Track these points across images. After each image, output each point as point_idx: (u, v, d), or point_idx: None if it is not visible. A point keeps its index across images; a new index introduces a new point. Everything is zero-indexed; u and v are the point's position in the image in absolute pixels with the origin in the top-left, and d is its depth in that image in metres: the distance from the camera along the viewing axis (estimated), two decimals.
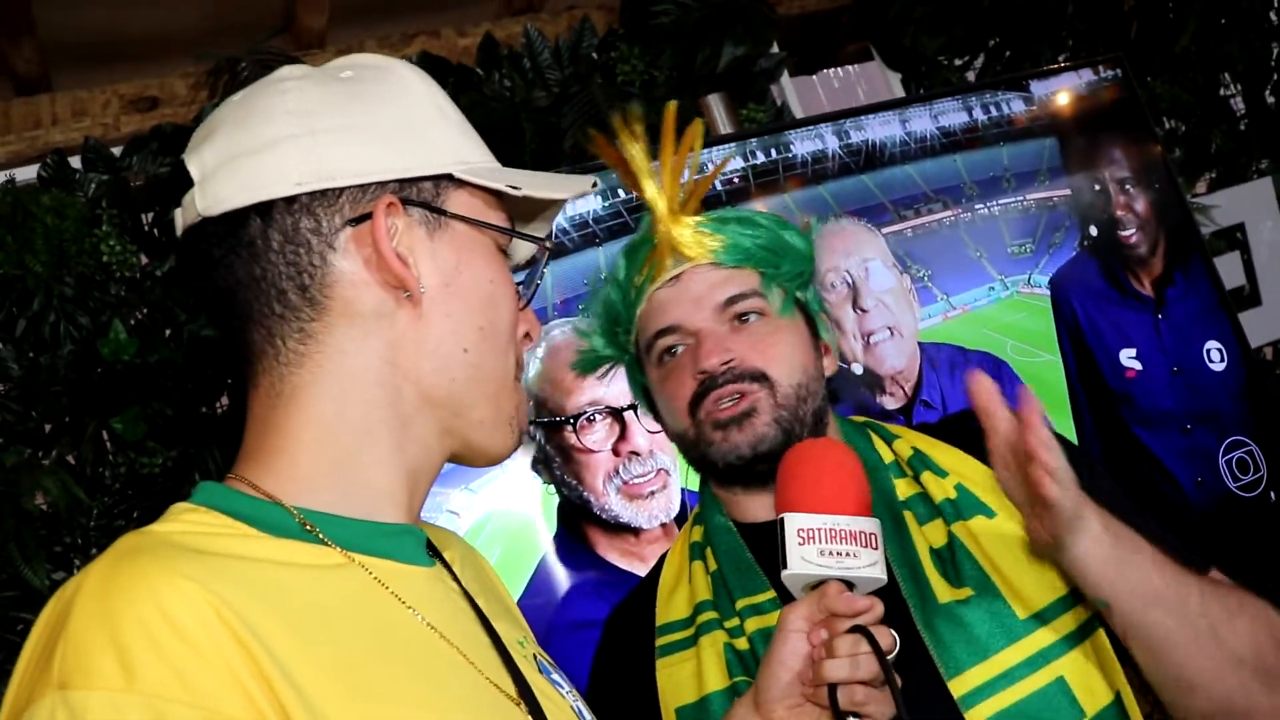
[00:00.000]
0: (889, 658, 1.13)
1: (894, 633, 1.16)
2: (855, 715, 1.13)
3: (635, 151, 1.47)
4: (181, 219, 1.01)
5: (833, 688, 1.12)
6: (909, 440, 1.50)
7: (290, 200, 0.96)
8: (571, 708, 1.06)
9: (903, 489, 1.44)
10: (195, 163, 0.99)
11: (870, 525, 1.21)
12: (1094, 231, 2.68)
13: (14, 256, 2.27)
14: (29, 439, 2.28)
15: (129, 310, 2.36)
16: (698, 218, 1.48)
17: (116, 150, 2.48)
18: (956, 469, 1.45)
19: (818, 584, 1.19)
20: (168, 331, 2.36)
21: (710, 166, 2.23)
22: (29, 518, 2.19)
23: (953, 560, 1.37)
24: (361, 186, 0.97)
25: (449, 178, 1.01)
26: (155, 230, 2.43)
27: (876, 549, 1.20)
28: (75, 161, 2.45)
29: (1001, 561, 1.36)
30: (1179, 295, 2.69)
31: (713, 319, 1.44)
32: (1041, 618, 1.33)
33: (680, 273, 1.47)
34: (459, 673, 0.94)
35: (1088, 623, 1.35)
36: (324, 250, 0.97)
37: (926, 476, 1.44)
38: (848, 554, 1.18)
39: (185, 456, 2.30)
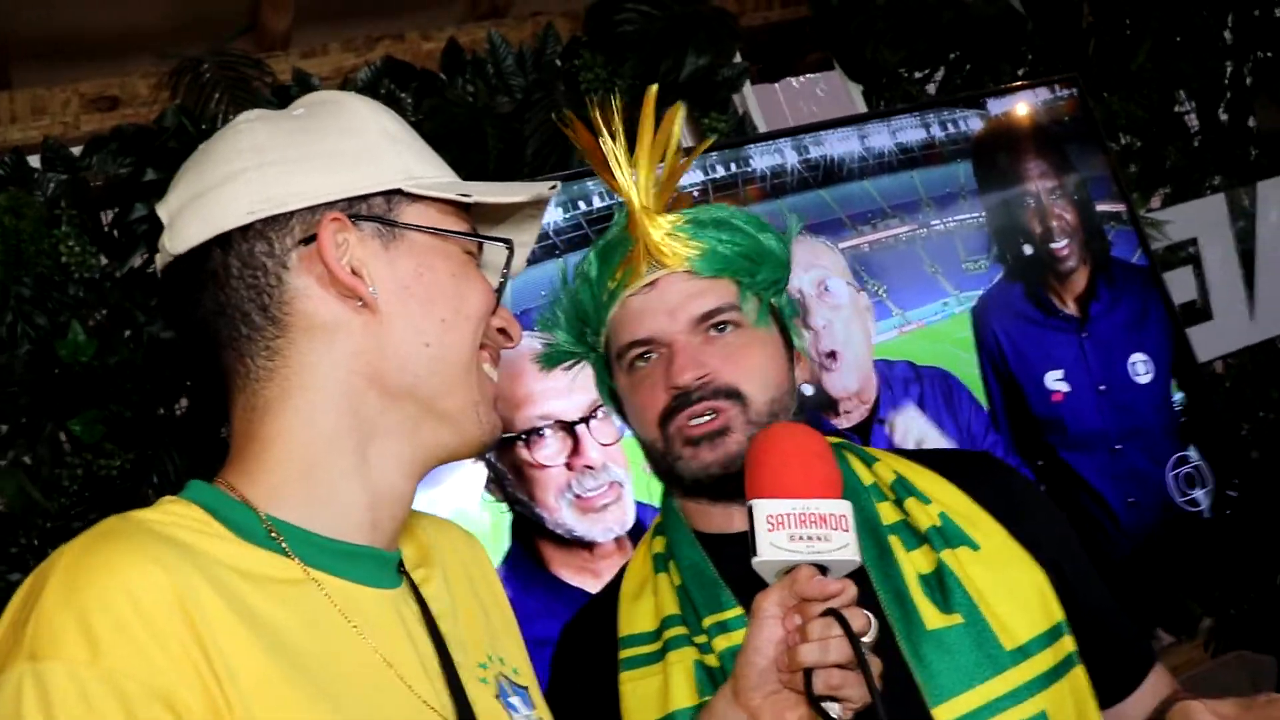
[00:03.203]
0: (866, 640, 1.13)
1: (869, 614, 1.15)
2: (832, 700, 1.12)
3: (610, 145, 1.44)
4: (159, 263, 1.08)
5: (808, 672, 1.12)
6: (890, 464, 1.49)
7: (245, 229, 1.03)
8: None
9: (886, 514, 1.44)
10: (164, 208, 1.07)
11: (840, 507, 1.20)
12: (1028, 250, 2.71)
13: None
14: None
15: (88, 311, 2.34)
16: (675, 218, 1.45)
17: (77, 150, 2.47)
18: (939, 497, 1.45)
19: (790, 569, 1.18)
20: (127, 333, 2.35)
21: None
22: None
23: (941, 587, 1.37)
24: (310, 209, 1.03)
25: (400, 192, 1.07)
26: (114, 231, 2.41)
27: (848, 531, 1.19)
28: (35, 160, 2.43)
29: (988, 593, 1.37)
30: (1103, 311, 2.73)
31: (687, 331, 1.42)
32: (1026, 651, 1.34)
33: (656, 279, 1.44)
34: (394, 697, 0.98)
35: (1067, 659, 1.37)
36: (279, 270, 1.03)
37: (910, 503, 1.43)
38: (819, 538, 1.18)
39: (143, 458, 2.30)
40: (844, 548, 1.18)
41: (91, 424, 2.25)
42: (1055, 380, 2.63)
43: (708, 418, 1.39)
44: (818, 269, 2.46)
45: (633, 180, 1.45)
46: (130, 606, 0.84)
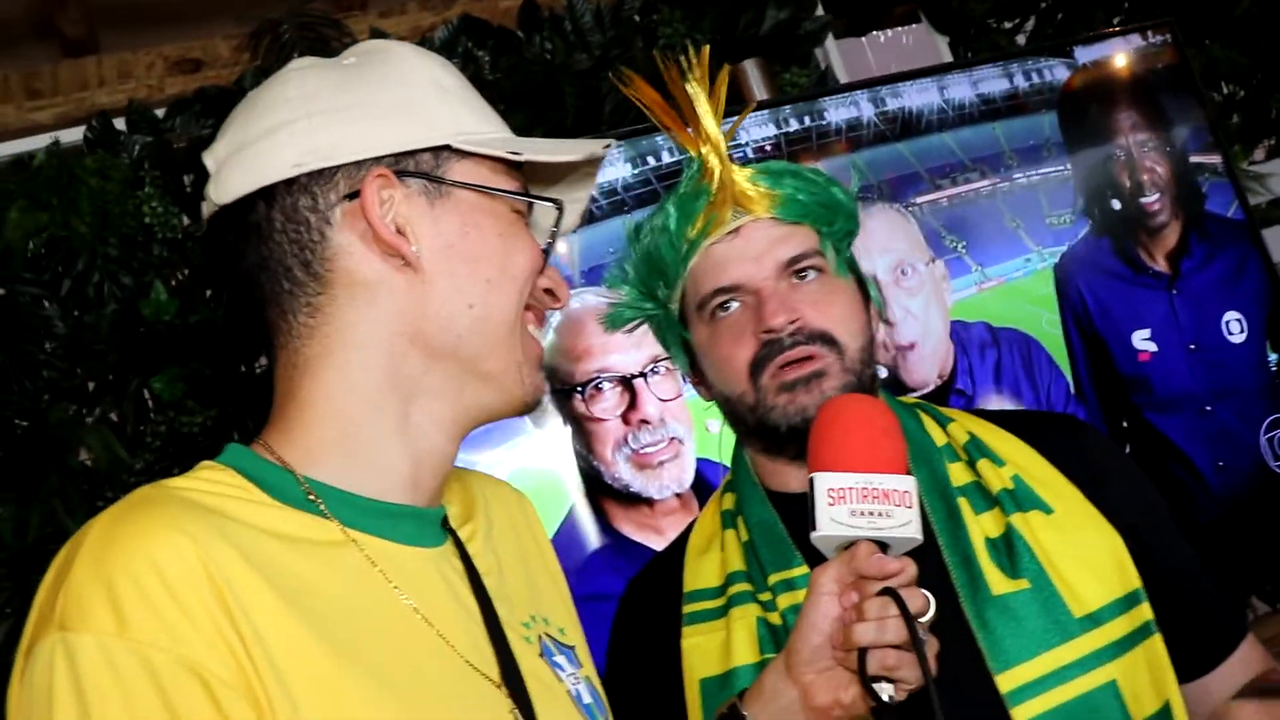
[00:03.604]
0: (924, 620, 1.11)
1: (928, 595, 1.13)
2: (886, 680, 1.10)
3: (702, 95, 1.42)
4: (205, 212, 1.07)
5: (862, 651, 1.10)
6: (965, 424, 1.46)
7: (290, 182, 1.01)
8: (569, 691, 1.08)
9: (957, 475, 1.40)
10: (210, 157, 1.05)
11: (904, 483, 1.17)
12: (1116, 205, 2.61)
13: (60, 218, 2.31)
14: (74, 396, 2.33)
15: (171, 271, 2.39)
16: (750, 169, 1.44)
17: (161, 112, 2.51)
18: (1014, 459, 1.41)
19: (850, 545, 1.16)
20: (208, 292, 2.39)
21: (743, 134, 2.20)
22: (73, 474, 2.25)
23: (1009, 551, 1.34)
24: (356, 163, 1.01)
25: (448, 148, 1.04)
26: (197, 192, 2.45)
27: (911, 508, 1.16)
28: (120, 123, 2.48)
29: (1059, 558, 1.33)
30: (1195, 267, 2.62)
31: (774, 277, 1.40)
32: (1096, 619, 1.31)
33: (739, 226, 1.42)
34: (435, 657, 0.97)
35: (1143, 627, 1.33)
36: (322, 226, 1.01)
37: (983, 464, 1.40)
38: (880, 513, 1.15)
39: (224, 416, 2.34)
40: (906, 524, 1.15)
41: (173, 381, 2.30)
42: (1143, 339, 2.53)
43: (801, 361, 1.37)
44: (892, 252, 2.39)
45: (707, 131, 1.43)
46: (156, 577, 0.84)
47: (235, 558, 0.88)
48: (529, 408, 1.10)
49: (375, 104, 1.03)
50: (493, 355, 1.05)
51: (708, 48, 1.45)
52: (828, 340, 1.38)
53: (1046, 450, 1.43)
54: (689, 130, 1.45)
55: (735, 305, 1.41)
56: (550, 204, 1.10)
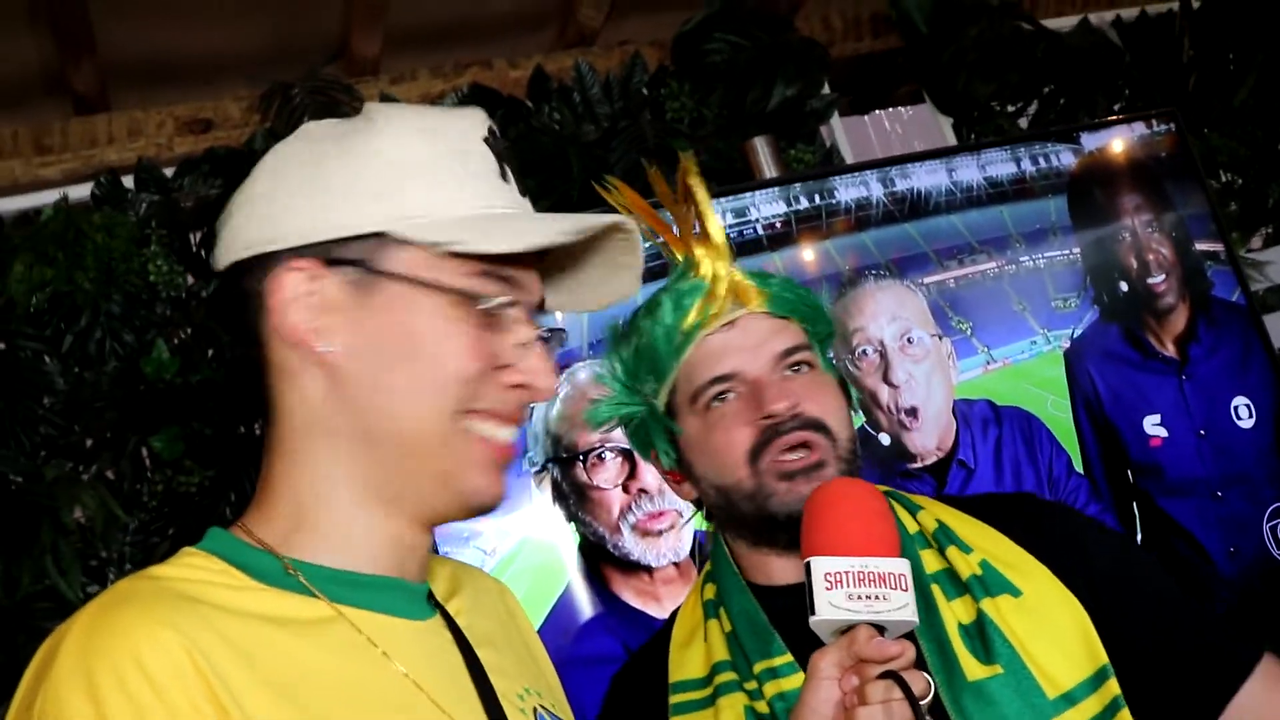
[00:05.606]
0: (924, 703, 1.11)
1: (928, 677, 1.13)
2: None
3: (699, 190, 1.47)
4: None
5: None
6: (933, 512, 1.47)
7: (243, 263, 1.00)
8: None
9: (929, 562, 1.41)
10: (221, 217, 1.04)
11: (900, 566, 1.18)
12: (1123, 287, 2.64)
13: (64, 273, 2.30)
14: (70, 453, 2.31)
15: (173, 329, 2.38)
16: (739, 269, 1.48)
17: (170, 171, 2.52)
18: (981, 545, 1.42)
19: (848, 628, 1.16)
20: (210, 351, 2.38)
21: (754, 209, 2.24)
22: (66, 531, 2.22)
23: (982, 636, 1.34)
24: (295, 249, 0.97)
25: (387, 235, 0.98)
26: (202, 251, 2.45)
27: (907, 590, 1.17)
28: (129, 181, 2.49)
29: (1030, 640, 1.33)
30: (1204, 353, 2.63)
31: (769, 367, 1.43)
32: (1070, 698, 1.31)
33: (736, 318, 1.45)
34: None
35: (1113, 703, 1.32)
36: (259, 309, 0.99)
37: (952, 551, 1.41)
38: (877, 597, 1.15)
39: (222, 476, 2.32)
40: (903, 608, 1.16)
41: (173, 440, 2.28)
42: (1153, 424, 2.54)
43: (801, 454, 1.38)
44: (900, 320, 2.42)
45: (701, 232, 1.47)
46: (141, 678, 0.81)
47: (223, 648, 0.86)
48: (475, 513, 1.03)
49: (326, 184, 0.97)
50: (428, 460, 0.99)
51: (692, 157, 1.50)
52: (822, 428, 1.40)
53: (1010, 531, 1.44)
54: (675, 233, 1.50)
55: (731, 396, 1.43)
56: (506, 302, 1.00)
